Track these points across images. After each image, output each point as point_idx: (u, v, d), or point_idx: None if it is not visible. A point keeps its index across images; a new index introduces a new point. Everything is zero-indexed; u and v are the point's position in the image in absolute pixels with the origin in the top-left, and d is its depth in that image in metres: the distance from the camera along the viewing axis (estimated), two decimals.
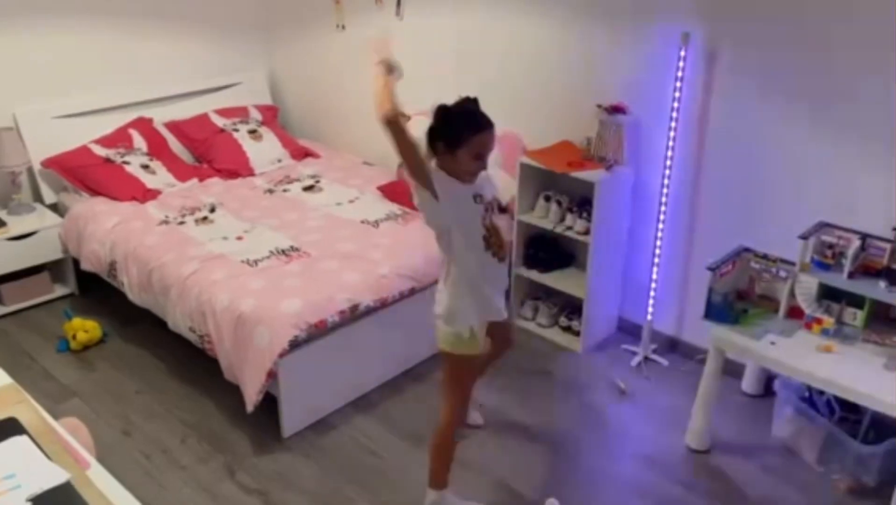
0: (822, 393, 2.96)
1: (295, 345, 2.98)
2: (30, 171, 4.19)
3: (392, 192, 4.07)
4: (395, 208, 3.94)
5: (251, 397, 2.99)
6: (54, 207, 4.22)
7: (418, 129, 4.28)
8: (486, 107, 4.10)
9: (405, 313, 3.40)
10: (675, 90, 3.25)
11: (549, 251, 3.82)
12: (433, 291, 3.47)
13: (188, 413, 3.26)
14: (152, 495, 2.73)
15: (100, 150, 4.21)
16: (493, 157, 3.92)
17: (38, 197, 4.25)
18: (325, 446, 3.07)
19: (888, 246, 2.77)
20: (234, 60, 5.03)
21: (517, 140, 3.94)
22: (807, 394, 3.04)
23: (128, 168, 4.16)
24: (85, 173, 4.10)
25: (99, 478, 1.60)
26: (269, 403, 3.06)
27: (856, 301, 2.80)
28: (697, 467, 3.00)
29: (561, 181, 3.62)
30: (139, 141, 4.37)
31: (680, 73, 3.22)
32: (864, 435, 2.86)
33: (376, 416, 3.24)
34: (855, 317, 2.82)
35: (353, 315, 3.19)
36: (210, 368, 3.26)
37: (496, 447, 3.08)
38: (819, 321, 2.82)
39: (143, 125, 4.47)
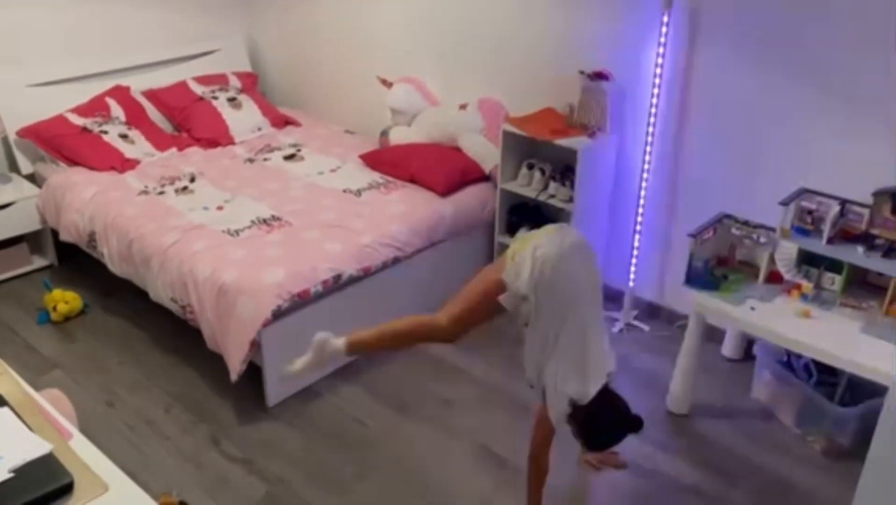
0: (800, 357, 3.00)
1: (278, 315, 2.97)
2: (5, 140, 4.12)
3: (374, 160, 4.04)
4: (377, 177, 3.92)
5: (235, 367, 2.99)
6: (31, 178, 4.16)
7: (397, 95, 4.28)
8: (469, 74, 4.10)
9: (389, 282, 3.41)
10: (657, 56, 3.24)
11: (531, 219, 3.81)
12: (418, 260, 3.51)
13: (171, 383, 3.26)
14: (136, 465, 2.73)
15: (76, 120, 4.14)
16: (475, 124, 3.94)
17: (14, 167, 4.18)
18: (310, 415, 3.09)
19: (866, 211, 2.80)
20: (212, 27, 4.94)
21: (499, 107, 3.92)
22: (785, 358, 3.09)
23: (105, 137, 4.10)
24: (61, 143, 4.03)
25: (82, 448, 1.59)
26: (254, 372, 3.07)
27: (834, 266, 2.83)
28: (678, 431, 3.04)
29: (544, 149, 3.61)
30: (117, 110, 4.30)
31: (662, 39, 3.20)
32: (840, 397, 2.91)
33: (361, 384, 3.26)
34: (833, 282, 2.85)
35: (337, 284, 3.19)
36: (193, 339, 3.25)
37: (480, 414, 3.11)
38: (798, 286, 2.85)
39: (121, 94, 4.40)
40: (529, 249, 2.28)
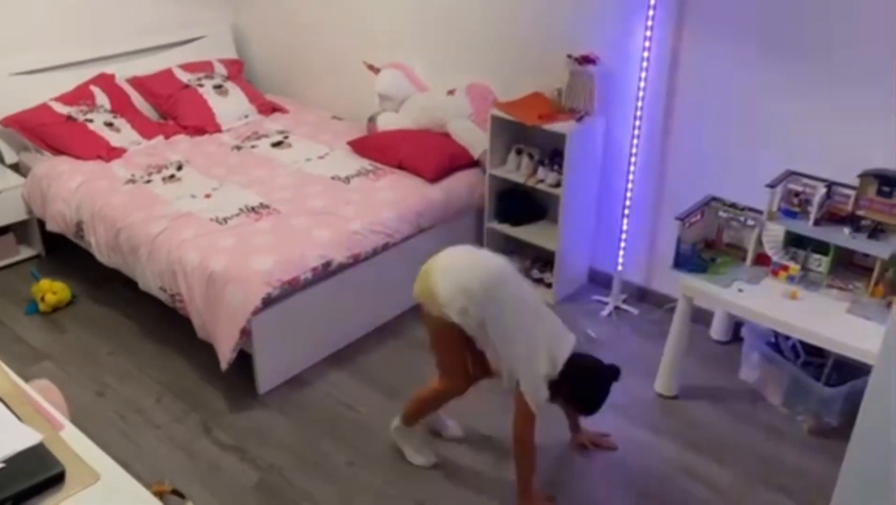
0: (787, 338, 3.03)
1: (268, 302, 2.97)
2: None
3: (363, 147, 4.03)
4: (365, 164, 3.91)
5: (225, 355, 2.99)
6: (16, 167, 4.12)
7: (385, 81, 4.26)
8: (456, 59, 4.09)
9: (378, 269, 3.41)
10: (644, 39, 3.24)
11: (520, 205, 3.82)
12: (407, 246, 3.51)
13: (162, 372, 3.25)
14: (128, 455, 2.74)
15: (61, 108, 4.10)
16: (463, 110, 3.92)
17: None
18: (301, 402, 3.09)
19: (852, 193, 2.81)
20: (197, 13, 4.89)
21: (487, 92, 3.91)
22: (773, 339, 3.11)
23: (91, 126, 4.07)
24: (46, 132, 4.00)
25: (73, 439, 1.59)
26: (244, 360, 3.07)
27: (821, 248, 2.85)
28: (666, 413, 3.07)
29: (532, 134, 3.61)
30: (102, 98, 4.26)
31: (650, 22, 3.20)
32: (827, 377, 2.94)
33: (351, 371, 3.26)
34: (820, 263, 2.87)
35: (326, 272, 3.18)
36: (183, 328, 3.24)
37: (468, 396, 3.12)
38: (785, 268, 2.87)
39: (106, 81, 4.36)
40: (449, 285, 2.43)
